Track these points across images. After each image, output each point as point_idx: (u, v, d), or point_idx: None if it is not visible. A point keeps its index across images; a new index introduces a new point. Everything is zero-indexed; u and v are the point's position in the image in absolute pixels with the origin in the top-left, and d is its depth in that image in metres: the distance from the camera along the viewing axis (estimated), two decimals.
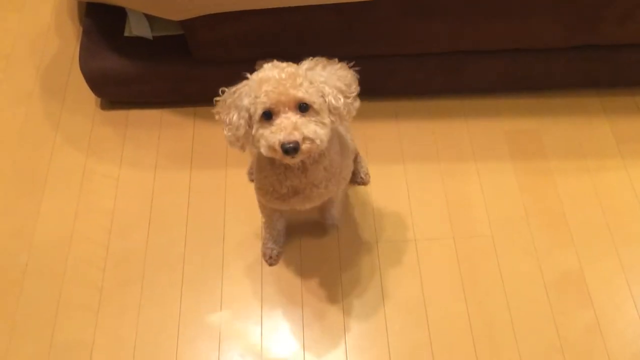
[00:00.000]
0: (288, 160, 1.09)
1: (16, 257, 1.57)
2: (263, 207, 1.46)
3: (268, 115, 1.07)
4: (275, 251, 1.55)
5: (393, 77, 1.75)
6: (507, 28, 1.57)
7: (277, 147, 1.05)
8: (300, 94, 1.04)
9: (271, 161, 1.21)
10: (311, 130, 1.06)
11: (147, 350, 1.43)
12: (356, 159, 1.63)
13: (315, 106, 1.07)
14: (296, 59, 1.12)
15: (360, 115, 1.69)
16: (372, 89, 1.77)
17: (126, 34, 1.73)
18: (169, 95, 1.81)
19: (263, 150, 1.08)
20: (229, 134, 1.13)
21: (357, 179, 1.66)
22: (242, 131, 1.10)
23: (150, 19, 1.71)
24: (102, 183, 1.71)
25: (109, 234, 1.61)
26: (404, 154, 1.72)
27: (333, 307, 1.48)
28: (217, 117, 1.16)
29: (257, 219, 1.61)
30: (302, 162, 1.18)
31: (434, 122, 1.77)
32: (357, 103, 1.14)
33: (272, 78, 1.05)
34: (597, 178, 1.65)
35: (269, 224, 1.52)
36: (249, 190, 1.67)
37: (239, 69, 1.70)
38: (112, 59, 1.71)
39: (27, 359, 1.43)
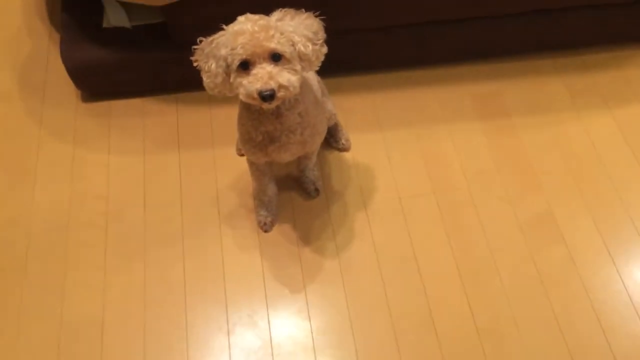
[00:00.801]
0: (266, 106, 1.22)
1: (16, 245, 1.60)
2: (252, 168, 1.55)
3: (245, 65, 1.18)
4: (268, 218, 1.63)
5: (364, 51, 1.87)
6: None
7: (256, 95, 1.17)
8: (273, 45, 1.16)
9: (247, 107, 1.32)
10: (285, 79, 1.17)
11: (156, 322, 1.48)
12: (337, 128, 1.74)
13: (287, 55, 1.18)
14: (267, 11, 1.23)
15: (337, 90, 1.83)
16: (346, 63, 1.90)
17: (105, 25, 1.78)
18: (150, 83, 1.87)
19: (242, 97, 1.20)
20: (208, 80, 1.24)
21: (338, 145, 1.76)
22: (219, 79, 1.21)
23: (128, 9, 1.77)
24: (93, 170, 1.75)
25: (106, 217, 1.66)
26: (381, 122, 1.84)
27: (330, 264, 1.57)
28: (195, 64, 1.26)
29: (249, 191, 1.69)
30: (277, 107, 1.28)
31: (405, 91, 1.90)
32: (325, 49, 1.25)
33: (247, 31, 1.16)
34: (556, 130, 1.82)
35: (259, 189, 1.60)
36: (238, 165, 1.75)
37: None
38: (94, 50, 1.76)
39: (38, 340, 1.46)
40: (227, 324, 1.48)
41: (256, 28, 1.16)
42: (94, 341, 1.46)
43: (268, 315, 1.50)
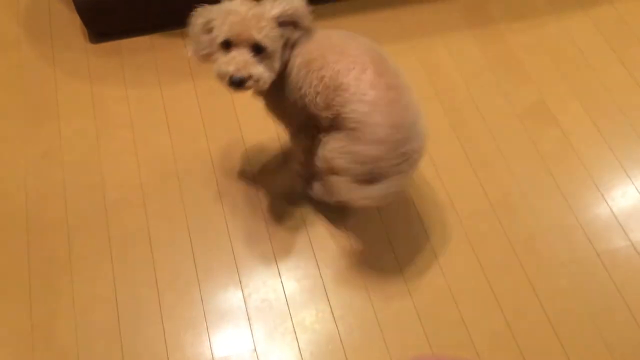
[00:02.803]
0: (231, 91, 1.24)
1: (51, 174, 1.67)
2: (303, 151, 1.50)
3: (227, 44, 1.20)
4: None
5: None
6: None
7: (227, 78, 1.19)
8: (259, 37, 1.17)
9: None
10: (258, 71, 1.19)
11: (200, 229, 1.59)
12: None
13: (269, 51, 1.19)
14: None
15: (333, 15, 1.89)
16: None
17: None
18: (157, 17, 1.94)
19: (215, 75, 1.22)
20: (193, 48, 1.26)
21: None
22: (204, 46, 1.23)
23: None
24: (114, 104, 1.82)
25: (134, 143, 1.74)
26: (379, 39, 1.96)
27: None
28: (191, 33, 1.26)
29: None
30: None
31: (397, 10, 2.03)
32: (308, 12, 1.23)
33: (240, 13, 1.17)
34: (539, 31, 1.98)
35: (302, 158, 1.55)
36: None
37: None
38: None
39: (92, 254, 1.54)
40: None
41: (250, 14, 1.17)
42: (145, 252, 1.55)
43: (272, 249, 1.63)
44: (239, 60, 1.17)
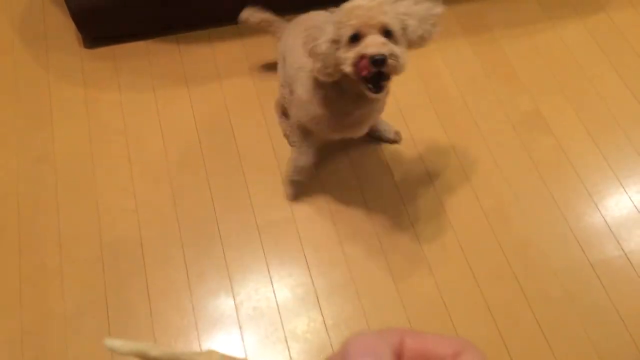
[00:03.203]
0: (370, 91, 1.18)
1: (44, 180, 1.66)
2: (306, 142, 1.51)
3: (355, 38, 1.16)
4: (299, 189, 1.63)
5: None
6: None
7: (366, 60, 1.13)
8: (387, 19, 1.15)
9: (340, 94, 1.29)
10: (399, 50, 1.16)
11: (192, 235, 1.59)
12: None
13: (397, 34, 1.17)
14: None
15: None
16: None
17: None
18: (152, 23, 1.94)
19: (348, 69, 1.17)
20: (318, 65, 1.21)
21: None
22: (327, 53, 1.18)
23: None
24: (107, 108, 1.82)
25: (127, 148, 1.74)
26: None
27: (354, 197, 1.70)
28: (313, 52, 1.22)
29: (259, 116, 1.80)
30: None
31: None
32: (434, 33, 1.22)
33: (363, 6, 1.16)
34: (535, 39, 1.98)
35: (300, 156, 1.56)
36: (246, 96, 1.85)
37: None
38: None
39: (83, 261, 1.54)
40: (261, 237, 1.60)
41: (372, 4, 1.16)
42: (136, 259, 1.55)
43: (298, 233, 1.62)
44: (376, 41, 1.14)
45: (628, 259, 1.55)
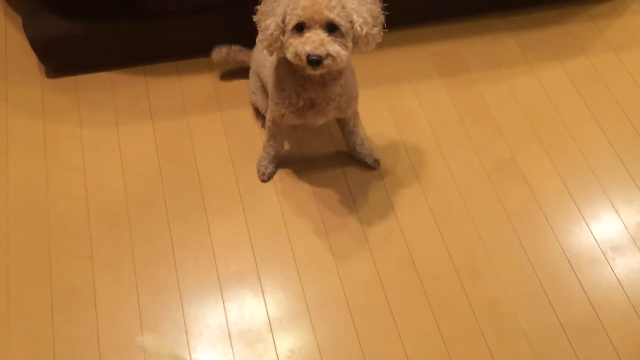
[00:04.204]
0: (310, 70, 1.27)
1: None
2: (274, 127, 1.58)
3: (300, 28, 1.23)
4: (269, 169, 1.68)
5: None
6: None
7: (303, 57, 1.22)
8: (332, 15, 1.20)
9: (292, 73, 1.37)
10: (335, 49, 1.22)
11: (149, 284, 1.51)
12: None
13: (342, 29, 1.23)
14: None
15: None
16: None
17: None
18: (118, 54, 1.86)
19: (289, 56, 1.25)
20: (261, 37, 1.28)
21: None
22: (274, 35, 1.25)
23: None
24: (67, 143, 1.74)
25: (85, 187, 1.66)
26: None
27: (317, 231, 1.64)
28: (257, 25, 1.29)
29: (226, 153, 1.73)
30: (322, 77, 1.35)
31: (369, 54, 1.97)
32: (379, 37, 1.30)
33: None
34: (513, 82, 1.94)
35: (270, 144, 1.64)
36: (213, 132, 1.79)
37: (188, 21, 1.81)
38: (58, 21, 1.74)
39: (31, 309, 1.46)
40: (220, 285, 1.53)
41: None
42: (88, 308, 1.47)
43: (256, 266, 1.55)
44: (315, 39, 1.21)
45: (600, 321, 1.50)
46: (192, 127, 1.79)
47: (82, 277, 1.51)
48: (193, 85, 1.88)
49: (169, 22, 1.79)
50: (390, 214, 1.65)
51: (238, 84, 1.89)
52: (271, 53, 1.34)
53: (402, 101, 1.89)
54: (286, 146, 1.76)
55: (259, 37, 1.31)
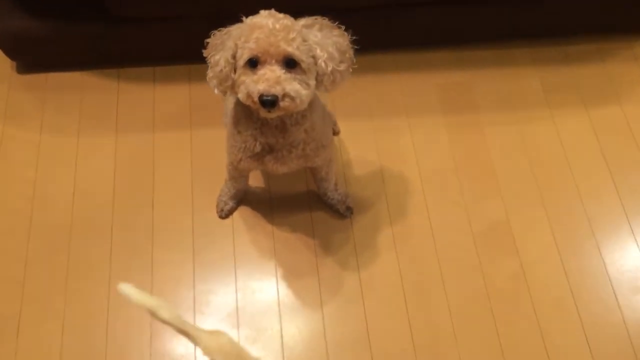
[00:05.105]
0: (264, 113, 1.08)
1: None
2: (233, 171, 1.41)
3: (253, 63, 1.04)
4: (229, 205, 1.53)
5: None
6: None
7: (255, 97, 1.03)
8: (291, 49, 1.02)
9: (248, 115, 1.18)
10: (293, 88, 1.04)
11: (76, 320, 1.40)
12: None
13: (303, 65, 1.04)
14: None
15: None
16: None
17: None
18: (89, 55, 1.72)
19: (241, 97, 1.07)
20: (211, 74, 1.10)
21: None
22: (223, 73, 1.08)
23: None
24: (22, 150, 1.63)
25: (32, 203, 1.55)
26: (335, 110, 1.69)
27: (267, 284, 1.48)
28: (206, 60, 1.12)
29: (187, 184, 1.58)
30: (282, 121, 1.16)
31: (365, 78, 1.74)
32: (349, 74, 1.11)
33: (265, 26, 1.02)
34: (525, 129, 1.67)
35: (232, 184, 1.49)
36: (178, 154, 1.63)
37: (163, 29, 1.64)
38: (25, 19, 1.61)
39: None
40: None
41: (277, 26, 1.02)
42: (9, 337, 1.38)
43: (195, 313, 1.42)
44: (269, 77, 1.03)
45: None
46: (157, 145, 1.64)
47: (9, 304, 1.42)
48: (167, 95, 1.72)
49: (143, 27, 1.62)
50: (353, 274, 1.47)
51: (217, 97, 1.71)
52: (223, 93, 1.15)
53: (393, 137, 1.67)
54: (253, 179, 1.59)
55: (208, 74, 1.12)
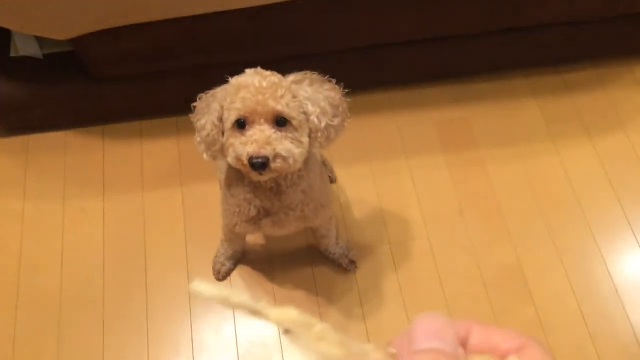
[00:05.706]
0: (255, 176, 1.02)
1: None
2: (228, 233, 1.34)
3: (241, 124, 0.99)
4: (225, 267, 1.45)
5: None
6: (427, 16, 1.48)
7: (245, 160, 0.97)
8: (280, 107, 0.97)
9: (240, 178, 1.12)
10: (285, 148, 0.98)
11: None
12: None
13: (294, 122, 0.99)
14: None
15: None
16: None
17: (12, 54, 1.56)
18: (70, 116, 1.66)
19: (230, 160, 1.01)
20: (198, 139, 1.05)
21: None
22: (210, 136, 1.02)
23: (38, 36, 1.54)
24: (5, 220, 1.55)
25: (18, 277, 1.47)
26: (331, 155, 1.63)
27: (268, 340, 1.40)
28: (194, 124, 1.07)
29: (180, 245, 1.51)
30: (277, 183, 1.09)
31: (360, 118, 1.67)
32: (343, 128, 1.06)
33: (252, 85, 0.97)
34: (529, 163, 1.61)
35: (227, 245, 1.42)
36: (170, 213, 1.56)
37: (146, 84, 1.58)
38: (1, 83, 1.54)
39: None
40: None
41: (264, 83, 0.97)
42: None
43: None
44: (259, 138, 0.97)
45: None
46: (147, 204, 1.57)
47: None
48: (155, 150, 1.65)
49: (126, 83, 1.56)
50: (359, 324, 1.39)
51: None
52: (213, 157, 1.08)
53: (393, 180, 1.60)
54: (251, 236, 1.51)
55: (196, 138, 1.06)
